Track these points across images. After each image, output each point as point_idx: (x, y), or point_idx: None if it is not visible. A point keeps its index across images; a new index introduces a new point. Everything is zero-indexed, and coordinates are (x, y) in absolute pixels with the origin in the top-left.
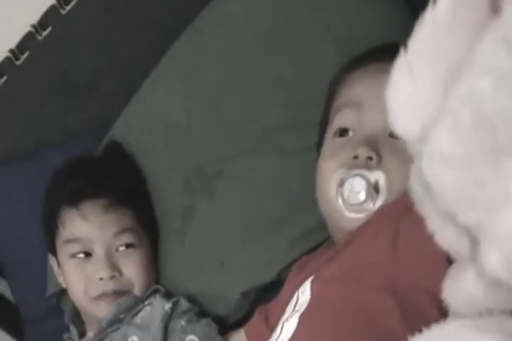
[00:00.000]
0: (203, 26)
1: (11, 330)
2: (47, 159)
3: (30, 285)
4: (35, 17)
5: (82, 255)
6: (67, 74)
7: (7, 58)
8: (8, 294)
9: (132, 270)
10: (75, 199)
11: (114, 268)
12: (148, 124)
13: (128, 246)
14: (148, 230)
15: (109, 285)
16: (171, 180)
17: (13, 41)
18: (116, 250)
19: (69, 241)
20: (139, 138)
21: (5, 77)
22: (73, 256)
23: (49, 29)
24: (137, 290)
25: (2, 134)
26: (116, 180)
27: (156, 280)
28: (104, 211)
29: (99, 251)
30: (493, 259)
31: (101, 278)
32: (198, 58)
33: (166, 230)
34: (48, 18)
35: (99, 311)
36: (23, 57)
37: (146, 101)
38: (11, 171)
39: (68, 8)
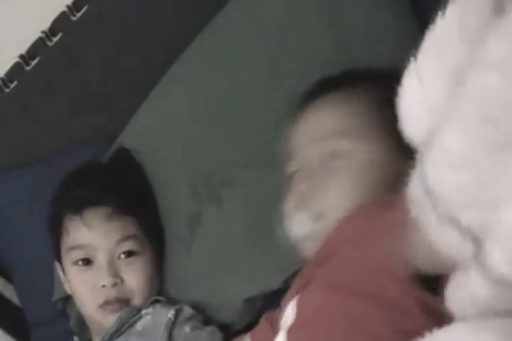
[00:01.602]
0: (212, 34)
1: (16, 334)
2: (56, 165)
3: (36, 290)
4: (45, 23)
5: (84, 262)
6: (77, 81)
7: (17, 64)
8: (14, 298)
9: (134, 278)
10: (79, 206)
11: (116, 275)
12: (156, 131)
13: (130, 253)
14: (152, 238)
15: (112, 293)
16: (179, 187)
17: (23, 47)
18: (119, 257)
19: (72, 248)
20: (147, 144)
21: (15, 83)
22: (76, 263)
23: (59, 35)
24: (139, 298)
25: (12, 139)
26: (121, 188)
27: (160, 288)
28: (108, 219)
29: (101, 258)
30: (496, 256)
31: (103, 286)
32: (207, 65)
33: (172, 237)
34: (59, 24)
35: (104, 319)
36: (33, 63)
37: (155, 108)
38: (21, 176)
39: (79, 14)
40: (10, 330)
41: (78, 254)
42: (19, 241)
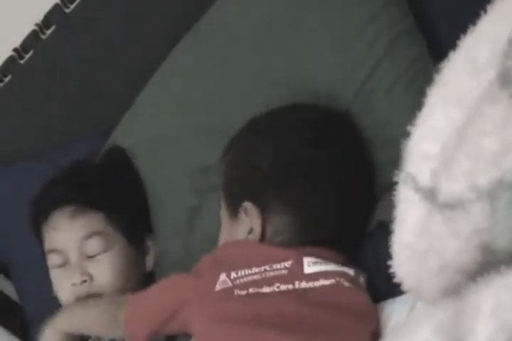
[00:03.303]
0: (205, 29)
1: (16, 331)
2: (52, 161)
3: (35, 287)
4: (39, 16)
5: (58, 266)
6: (71, 74)
7: (11, 57)
8: (13, 295)
9: (103, 274)
10: (47, 211)
11: (85, 273)
12: (152, 124)
13: (98, 250)
14: (125, 233)
15: (81, 290)
16: (177, 180)
17: (17, 40)
18: (88, 255)
19: (48, 252)
20: (141, 139)
21: (9, 76)
22: (53, 266)
23: (53, 28)
24: (111, 294)
25: (6, 134)
26: (89, 185)
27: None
28: (71, 217)
29: (71, 258)
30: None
31: (74, 284)
32: (199, 59)
33: (169, 233)
34: (52, 16)
35: None
36: (27, 56)
37: (150, 101)
38: (16, 172)
39: (72, 6)
40: (9, 327)
41: (53, 258)
42: (18, 238)
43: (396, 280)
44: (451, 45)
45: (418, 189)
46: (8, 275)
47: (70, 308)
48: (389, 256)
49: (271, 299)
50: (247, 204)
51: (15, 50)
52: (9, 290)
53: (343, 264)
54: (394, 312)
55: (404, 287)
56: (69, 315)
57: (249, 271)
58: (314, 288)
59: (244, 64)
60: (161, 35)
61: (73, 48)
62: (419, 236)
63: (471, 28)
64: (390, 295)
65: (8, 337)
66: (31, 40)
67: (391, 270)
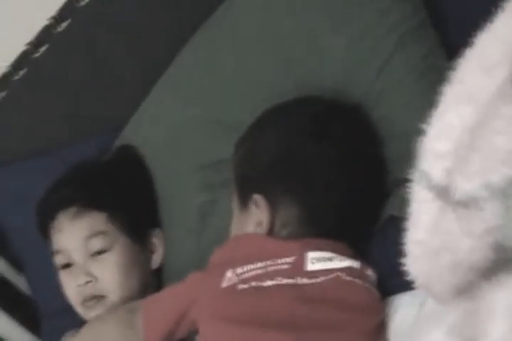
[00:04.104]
0: (214, 26)
1: (27, 325)
2: (62, 158)
3: (48, 281)
4: (53, 9)
5: (63, 267)
6: (82, 70)
7: (26, 51)
8: (25, 289)
9: (106, 274)
10: (51, 213)
11: (89, 274)
12: (163, 120)
13: (101, 250)
14: (129, 232)
15: (86, 291)
16: (189, 176)
17: (31, 34)
18: (91, 255)
19: (54, 253)
20: (151, 136)
21: (24, 70)
22: (58, 267)
23: (67, 21)
24: (114, 295)
25: (16, 131)
26: (92, 186)
27: (160, 283)
28: (73, 218)
29: (75, 259)
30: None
31: (78, 285)
32: (208, 55)
33: (180, 229)
34: (67, 10)
35: (87, 317)
36: (42, 50)
37: (160, 99)
38: (26, 169)
39: (86, 0)
40: (21, 321)
41: (59, 259)
42: (31, 233)
43: (408, 277)
44: (466, 42)
45: (431, 187)
46: (20, 269)
47: (88, 325)
48: (399, 252)
49: (271, 293)
50: (257, 197)
51: (29, 44)
52: (22, 283)
53: (350, 257)
54: (401, 307)
55: (415, 284)
56: (89, 332)
57: (254, 266)
58: (315, 284)
59: (255, 59)
60: (172, 33)
61: (85, 44)
62: (431, 233)
63: (486, 25)
64: (399, 290)
65: (19, 330)
66: (46, 34)
67: (403, 267)
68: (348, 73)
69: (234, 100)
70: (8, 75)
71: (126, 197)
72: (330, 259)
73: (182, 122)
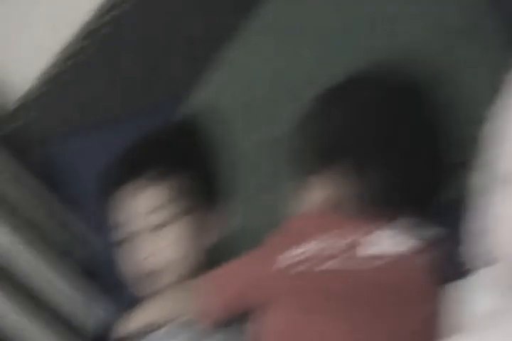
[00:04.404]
0: None
1: (90, 299)
2: (129, 127)
3: (106, 255)
4: None
5: (124, 240)
6: (150, 39)
7: (91, 23)
8: (88, 263)
9: (167, 249)
10: (116, 184)
11: (149, 248)
12: (226, 93)
13: (162, 224)
14: (194, 204)
15: (146, 266)
16: (251, 150)
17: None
18: (153, 229)
19: (116, 225)
20: (216, 107)
21: (87, 42)
22: (120, 241)
23: None
24: (174, 270)
25: (86, 100)
26: (159, 156)
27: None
28: (137, 192)
29: (137, 232)
30: None
31: (142, 258)
32: (276, 27)
33: (242, 204)
34: None
35: (143, 293)
36: (108, 19)
37: (226, 70)
38: (95, 138)
39: None
40: (81, 293)
41: (120, 233)
42: (93, 205)
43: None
44: None
45: None
46: (84, 243)
47: (148, 301)
48: (462, 233)
49: (326, 276)
50: (320, 173)
51: (94, 15)
52: (85, 256)
53: (410, 238)
54: (467, 292)
55: (495, 256)
56: (147, 308)
57: (311, 246)
58: (372, 268)
59: (324, 30)
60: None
61: (152, 14)
62: None
63: None
64: (460, 276)
65: (81, 300)
66: (111, 7)
67: (473, 246)
68: (420, 51)
69: (301, 73)
70: (68, 48)
71: (193, 168)
72: (390, 241)
73: (247, 95)
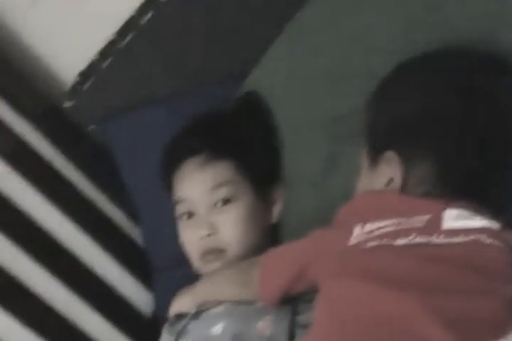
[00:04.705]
0: None
1: (138, 276)
2: (186, 105)
3: (162, 233)
4: None
5: (186, 216)
6: (207, 17)
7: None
8: (140, 240)
9: (228, 226)
10: (176, 161)
11: (211, 225)
12: (289, 69)
13: (225, 201)
14: (254, 183)
15: (207, 244)
16: (314, 126)
17: None
18: (215, 206)
19: (176, 202)
20: (276, 85)
21: (149, 15)
22: (180, 217)
23: None
24: (234, 249)
25: (143, 77)
26: (219, 134)
27: (275, 237)
28: (201, 167)
29: (198, 209)
30: None
31: (200, 237)
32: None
33: (303, 182)
34: None
35: (204, 271)
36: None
37: (286, 47)
38: (151, 115)
39: None
40: (133, 272)
41: (180, 208)
42: (147, 183)
43: None
44: None
45: None
46: (137, 221)
47: (207, 278)
48: None
49: (401, 253)
50: (389, 154)
51: None
52: (137, 235)
53: (489, 218)
54: None
55: None
56: (205, 286)
57: (385, 223)
58: (450, 245)
59: (391, 7)
60: None
61: None
62: None
63: None
64: None
65: (130, 280)
66: None
67: None
68: (497, 29)
69: (367, 49)
70: (130, 22)
71: (252, 146)
72: (469, 218)
73: (310, 72)
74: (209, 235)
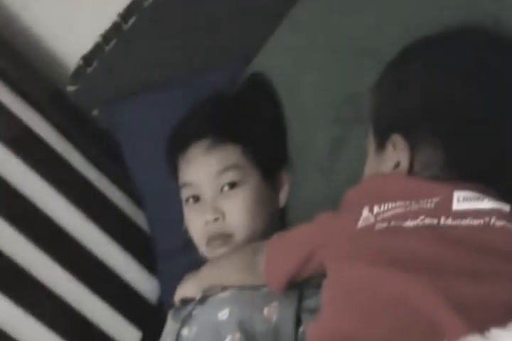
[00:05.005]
0: None
1: (143, 262)
2: (192, 87)
3: (167, 218)
4: None
5: (191, 200)
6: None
7: None
8: (144, 225)
9: (235, 211)
10: (182, 145)
11: (218, 210)
12: (295, 51)
13: (232, 185)
14: (261, 167)
15: (213, 228)
16: (321, 109)
17: None
18: (222, 191)
19: (182, 186)
20: (283, 65)
21: None
22: (187, 201)
23: None
24: (241, 233)
25: (148, 59)
26: (226, 117)
27: (282, 221)
28: (206, 151)
29: (204, 193)
30: None
31: (207, 222)
32: None
33: (309, 165)
34: None
35: (210, 256)
36: None
37: (293, 26)
38: (155, 99)
39: None
40: (138, 258)
41: (186, 192)
42: (151, 168)
43: None
44: None
45: None
46: (141, 205)
47: (213, 263)
48: None
49: (410, 235)
50: (396, 137)
51: None
52: (141, 220)
53: (499, 200)
54: None
55: None
56: (211, 271)
57: (394, 205)
58: (459, 227)
59: None
60: None
61: None
62: None
63: None
64: None
65: (134, 266)
66: None
67: None
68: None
69: (377, 27)
70: (133, 4)
71: (259, 130)
72: (478, 200)
73: (316, 52)
74: (215, 220)
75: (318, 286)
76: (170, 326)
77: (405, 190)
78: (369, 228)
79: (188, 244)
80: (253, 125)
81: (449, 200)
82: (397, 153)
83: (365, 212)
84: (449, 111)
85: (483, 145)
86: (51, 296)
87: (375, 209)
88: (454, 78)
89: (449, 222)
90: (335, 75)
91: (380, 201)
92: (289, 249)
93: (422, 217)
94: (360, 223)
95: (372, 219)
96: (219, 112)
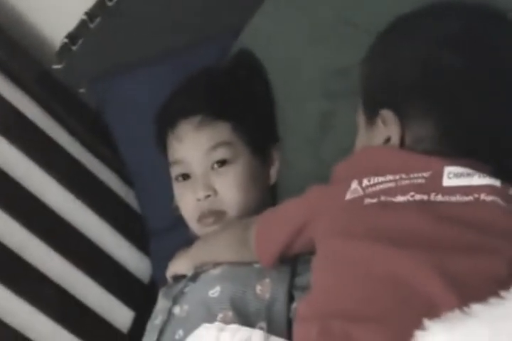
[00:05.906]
0: None
1: (135, 241)
2: (181, 62)
3: (157, 196)
4: None
5: (181, 177)
6: None
7: None
8: (135, 205)
9: (227, 189)
10: (172, 121)
11: (209, 187)
12: (283, 24)
13: (223, 162)
14: (251, 143)
15: (205, 205)
16: (309, 84)
17: None
18: (212, 168)
19: (172, 163)
20: (270, 39)
21: None
22: (176, 178)
23: None
24: (233, 210)
25: (136, 34)
26: (216, 94)
27: (274, 198)
28: (197, 128)
29: (195, 170)
30: None
31: (198, 199)
32: None
33: (299, 141)
34: None
35: (202, 233)
36: None
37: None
38: (145, 74)
39: None
40: (129, 237)
41: (176, 170)
42: (140, 146)
43: None
44: None
45: None
46: (131, 185)
47: (204, 240)
48: None
49: (401, 210)
50: (385, 112)
51: None
52: (132, 200)
53: (491, 175)
54: None
55: None
56: (202, 247)
57: (383, 179)
58: (449, 203)
59: None
60: None
61: None
62: None
63: None
64: None
65: (127, 246)
66: None
67: None
68: None
69: (362, 0)
70: None
71: (250, 106)
72: (469, 175)
73: (307, 25)
74: (207, 197)
75: (310, 262)
76: (161, 304)
77: (395, 163)
78: (358, 201)
79: (179, 222)
80: (244, 102)
81: (440, 176)
82: (387, 128)
83: (354, 184)
84: (441, 84)
85: (477, 120)
86: (43, 278)
87: (364, 181)
88: (446, 50)
89: (439, 198)
90: (323, 49)
91: (369, 174)
92: (279, 223)
93: (412, 193)
94: (348, 195)
95: (360, 192)
96: (209, 89)
